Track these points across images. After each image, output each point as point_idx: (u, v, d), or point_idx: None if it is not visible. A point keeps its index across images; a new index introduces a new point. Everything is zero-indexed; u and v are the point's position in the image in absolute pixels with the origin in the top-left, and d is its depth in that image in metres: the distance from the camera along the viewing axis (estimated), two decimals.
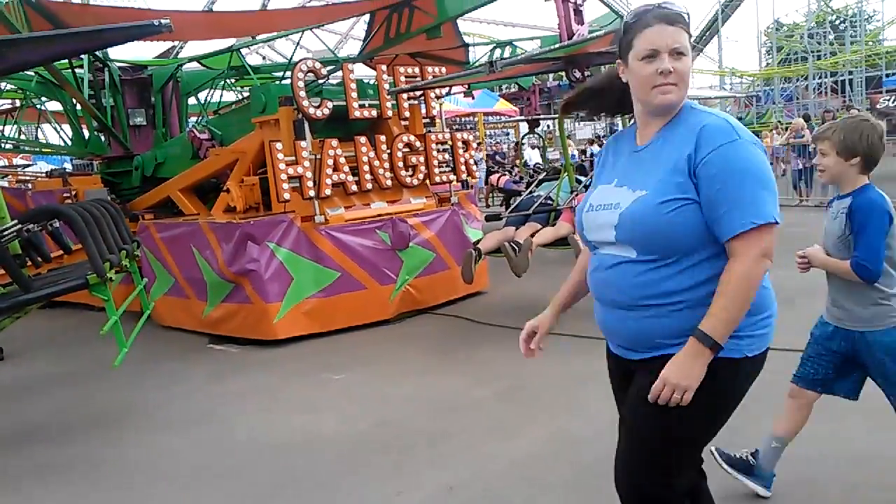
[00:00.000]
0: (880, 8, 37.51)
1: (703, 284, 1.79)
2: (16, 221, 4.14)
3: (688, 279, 1.79)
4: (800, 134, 13.97)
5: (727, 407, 1.87)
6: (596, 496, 3.06)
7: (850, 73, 31.45)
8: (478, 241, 6.43)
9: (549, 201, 6.49)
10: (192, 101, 10.65)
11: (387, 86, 7.22)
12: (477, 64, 9.31)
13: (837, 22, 37.32)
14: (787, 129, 19.94)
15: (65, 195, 8.44)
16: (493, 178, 16.17)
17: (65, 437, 4.49)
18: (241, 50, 10.43)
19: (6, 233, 4.07)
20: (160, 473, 3.83)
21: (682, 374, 1.75)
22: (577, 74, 9.97)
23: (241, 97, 11.57)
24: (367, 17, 8.77)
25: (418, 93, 7.53)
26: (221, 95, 11.26)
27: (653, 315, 1.83)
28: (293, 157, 6.44)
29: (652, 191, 1.80)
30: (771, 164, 20.53)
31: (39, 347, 6.89)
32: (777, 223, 1.76)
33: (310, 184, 6.49)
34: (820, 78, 32.60)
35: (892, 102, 33.14)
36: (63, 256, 5.60)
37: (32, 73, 8.98)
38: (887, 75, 31.01)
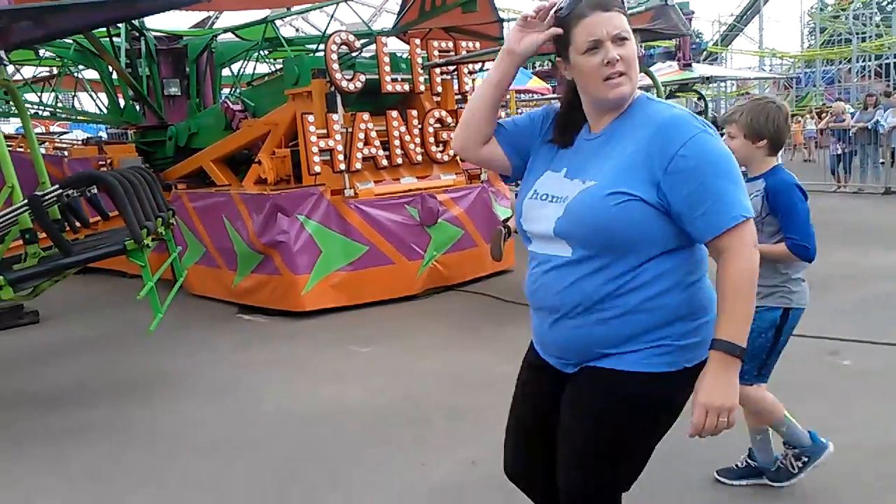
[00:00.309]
0: None
1: (644, 288, 1.70)
2: (56, 187, 4.22)
3: (630, 283, 1.70)
4: (840, 118, 13.65)
5: (669, 420, 1.79)
6: None
7: None
8: (507, 219, 6.41)
9: None
10: (225, 72, 10.70)
11: (420, 60, 7.18)
12: None
13: (885, 3, 36.24)
14: (819, 114, 19.49)
15: (100, 163, 8.57)
16: None
17: (95, 399, 4.59)
18: (276, 21, 10.44)
19: (47, 198, 4.15)
20: (186, 441, 3.90)
21: (723, 395, 1.64)
22: None
23: (274, 69, 11.60)
24: None
25: (451, 68, 7.48)
26: (255, 67, 11.30)
27: (592, 322, 1.73)
28: (325, 130, 6.46)
29: (601, 182, 1.69)
30: (804, 148, 19.80)
31: (73, 311, 7.04)
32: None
33: (340, 157, 6.51)
34: (864, 61, 31.75)
35: None
36: (98, 223, 5.70)
37: (70, 41, 9.07)
38: None
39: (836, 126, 13.50)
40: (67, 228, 4.68)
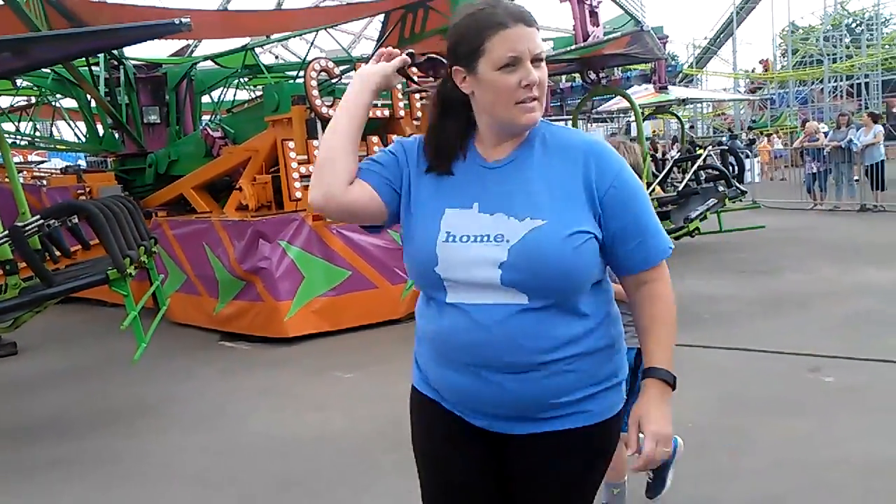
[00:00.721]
0: None
1: (601, 325, 1.61)
2: (37, 217, 4.19)
3: (588, 322, 1.58)
4: (814, 137, 13.89)
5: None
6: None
7: (866, 76, 31.23)
8: None
9: None
10: (205, 99, 10.72)
11: (399, 86, 7.23)
12: None
13: (854, 25, 37.07)
14: (788, 133, 19.84)
15: (79, 192, 8.51)
16: None
17: (79, 431, 4.52)
18: (255, 49, 10.49)
19: (28, 228, 4.11)
20: (173, 470, 3.86)
21: (668, 423, 1.56)
22: (592, 76, 9.96)
23: (254, 96, 11.63)
24: (381, 17, 8.81)
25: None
26: (235, 94, 11.33)
27: (554, 372, 1.55)
28: (305, 156, 6.48)
29: (554, 220, 1.50)
30: (768, 169, 20.03)
31: (53, 342, 6.94)
32: None
33: None
34: (835, 81, 32.39)
35: None
36: (77, 252, 5.65)
37: (48, 70, 9.06)
38: None
39: (810, 145, 13.73)
40: (48, 258, 4.64)
